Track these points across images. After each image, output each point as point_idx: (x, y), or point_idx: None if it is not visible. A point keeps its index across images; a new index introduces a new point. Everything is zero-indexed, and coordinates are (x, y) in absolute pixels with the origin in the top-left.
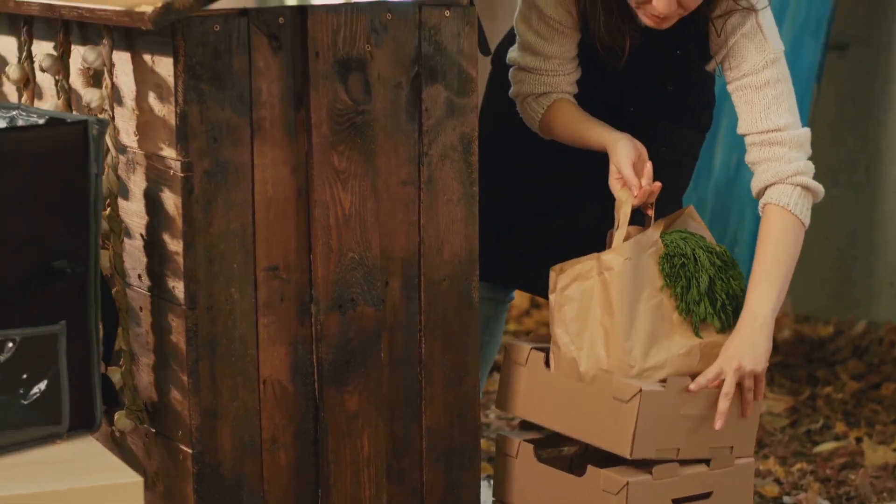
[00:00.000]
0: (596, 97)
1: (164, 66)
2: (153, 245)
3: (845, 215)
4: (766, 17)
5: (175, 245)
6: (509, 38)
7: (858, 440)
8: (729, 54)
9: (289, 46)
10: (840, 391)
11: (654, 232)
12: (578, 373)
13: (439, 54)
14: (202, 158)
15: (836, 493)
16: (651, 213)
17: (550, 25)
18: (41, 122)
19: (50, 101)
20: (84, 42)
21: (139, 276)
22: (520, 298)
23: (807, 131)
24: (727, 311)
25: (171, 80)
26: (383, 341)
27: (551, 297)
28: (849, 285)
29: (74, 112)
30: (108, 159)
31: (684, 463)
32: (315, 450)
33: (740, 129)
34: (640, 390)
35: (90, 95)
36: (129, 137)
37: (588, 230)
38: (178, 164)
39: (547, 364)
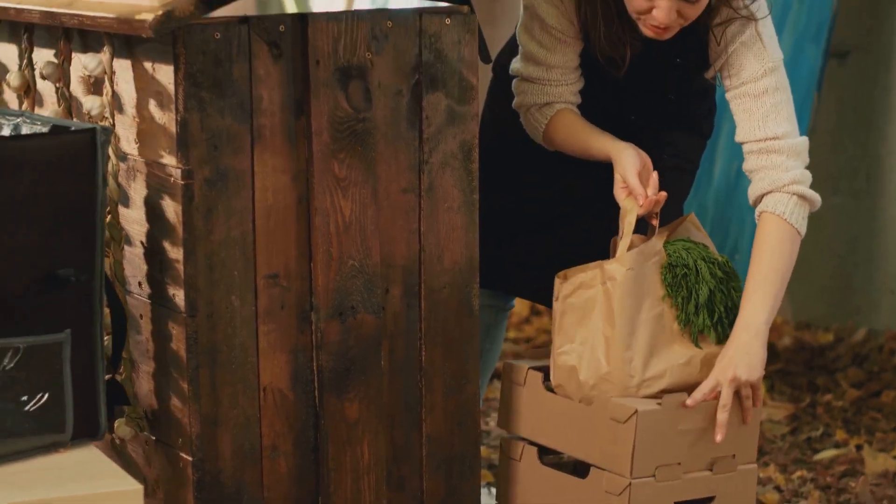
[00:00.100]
0: (597, 106)
1: (164, 74)
2: (153, 253)
3: (846, 223)
4: (766, 26)
5: (175, 253)
6: (510, 46)
7: (859, 448)
8: (728, 62)
9: (289, 54)
10: (840, 399)
11: (657, 241)
12: (578, 381)
13: (440, 62)
14: (203, 166)
15: (836, 501)
16: (656, 222)
17: (553, 35)
18: (45, 129)
19: (50, 109)
20: (85, 50)
21: (139, 284)
22: (520, 306)
23: (805, 140)
24: (724, 323)
25: (171, 87)
26: (383, 349)
27: (555, 304)
28: (849, 293)
29: (75, 119)
30: (109, 167)
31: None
32: (315, 457)
33: (738, 137)
34: (636, 411)
35: (91, 103)
36: (129, 145)
37: (590, 240)
38: (179, 171)
39: (546, 379)
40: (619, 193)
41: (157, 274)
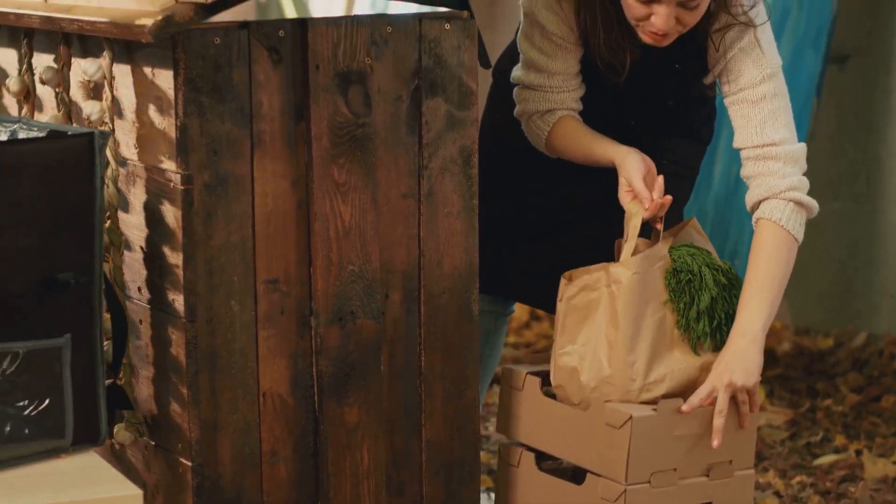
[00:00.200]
0: (596, 113)
1: (164, 79)
2: (153, 258)
3: (846, 227)
4: (765, 32)
5: (175, 258)
6: (510, 52)
7: (858, 453)
8: (726, 68)
9: (289, 59)
10: (840, 404)
11: (663, 246)
12: (579, 383)
13: (439, 67)
14: (202, 171)
15: None
16: (660, 226)
17: (553, 41)
18: (43, 134)
19: (50, 114)
20: (84, 55)
21: (139, 289)
22: (520, 311)
23: (802, 146)
24: (723, 330)
25: (171, 92)
26: (383, 354)
27: (559, 304)
28: (849, 297)
29: (74, 125)
30: (109, 172)
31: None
32: (315, 462)
33: (736, 143)
34: (631, 417)
35: (90, 108)
36: (129, 150)
37: (592, 246)
38: (179, 176)
39: (544, 384)
40: (624, 197)
41: (157, 279)
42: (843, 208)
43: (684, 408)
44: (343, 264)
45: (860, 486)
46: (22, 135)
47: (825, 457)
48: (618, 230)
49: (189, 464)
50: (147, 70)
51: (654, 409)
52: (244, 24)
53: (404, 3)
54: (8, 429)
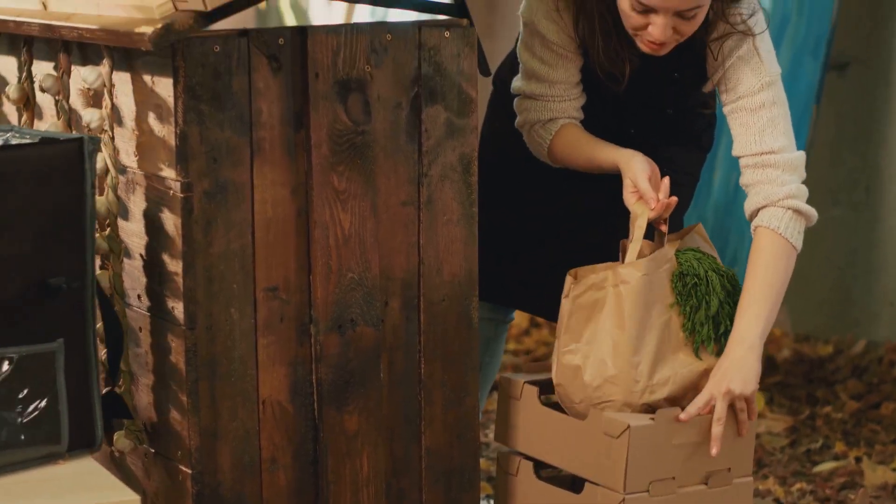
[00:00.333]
0: (597, 121)
1: (163, 87)
2: (153, 265)
3: (845, 235)
4: (764, 41)
5: (175, 265)
6: (510, 60)
7: (858, 460)
8: (725, 77)
9: (289, 67)
10: (839, 411)
11: (669, 249)
12: (582, 382)
13: (439, 75)
14: (202, 179)
15: None
16: (664, 227)
17: (554, 51)
18: (33, 141)
19: (50, 122)
20: (84, 62)
21: (139, 297)
22: (519, 318)
23: (801, 154)
24: (728, 336)
25: (170, 100)
26: (383, 361)
27: (564, 301)
28: (848, 304)
29: (74, 132)
30: (108, 179)
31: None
32: (315, 470)
33: (735, 152)
34: (629, 426)
35: (90, 116)
36: (128, 158)
37: (595, 254)
38: (178, 184)
39: (542, 393)
40: (629, 198)
41: (157, 286)
42: (842, 216)
43: (682, 416)
44: (343, 272)
45: (860, 493)
46: (14, 142)
47: (825, 464)
48: (620, 237)
49: (189, 471)
50: (147, 78)
51: (652, 418)
52: (244, 32)
53: (404, 10)
54: (2, 435)
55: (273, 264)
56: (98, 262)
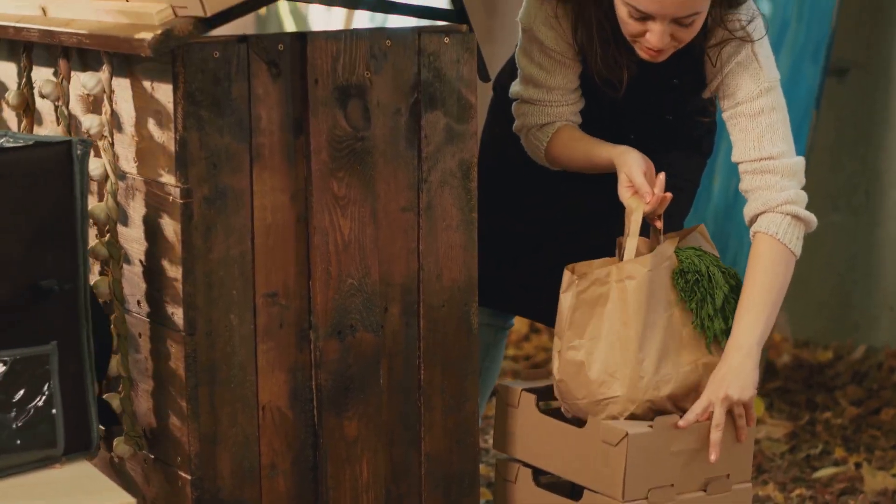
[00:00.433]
0: (596, 127)
1: (163, 93)
2: (152, 271)
3: (845, 240)
4: (763, 47)
5: (174, 271)
6: (510, 66)
7: (858, 466)
8: (724, 83)
9: (288, 73)
10: (839, 416)
11: (668, 246)
12: (586, 377)
13: (439, 81)
14: (201, 185)
15: None
16: (659, 223)
17: (552, 57)
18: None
19: (49, 128)
20: (84, 68)
21: (138, 302)
22: (519, 323)
23: (801, 160)
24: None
25: (170, 106)
26: (382, 367)
27: (563, 296)
28: (848, 310)
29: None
30: (108, 185)
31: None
32: (314, 476)
33: (734, 157)
34: (627, 433)
35: (90, 122)
36: (128, 164)
37: (597, 255)
38: (178, 190)
39: (540, 400)
40: (624, 193)
41: (156, 292)
42: (842, 221)
43: (681, 423)
44: (342, 277)
45: (860, 498)
46: (4, 146)
47: (825, 469)
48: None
49: (188, 477)
50: (146, 84)
51: (650, 426)
52: (243, 38)
53: (403, 16)
54: None
55: (272, 270)
56: (98, 267)
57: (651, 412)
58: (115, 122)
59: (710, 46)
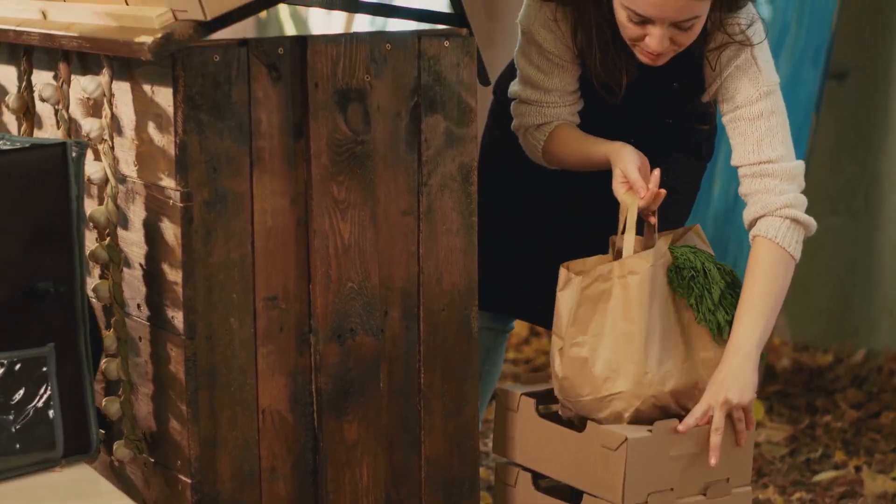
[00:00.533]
0: (595, 130)
1: (163, 97)
2: (152, 275)
3: (844, 243)
4: (762, 51)
5: (174, 275)
6: (510, 69)
7: (858, 469)
8: (723, 87)
9: (288, 77)
10: (839, 420)
11: (663, 243)
12: (590, 374)
13: (439, 84)
14: (201, 188)
15: None
16: (654, 220)
17: (550, 60)
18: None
19: (49, 131)
20: (84, 72)
21: (138, 306)
22: (519, 327)
23: (800, 164)
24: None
25: (170, 110)
26: (382, 371)
27: (560, 294)
28: (848, 313)
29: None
30: (108, 189)
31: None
32: (314, 479)
33: (734, 161)
34: (626, 438)
35: (90, 125)
36: (128, 167)
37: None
38: (178, 193)
39: (539, 404)
40: (619, 188)
41: (156, 296)
42: (841, 224)
43: (680, 427)
44: (342, 281)
45: (860, 502)
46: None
47: (825, 473)
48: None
49: (188, 481)
50: (146, 87)
51: (650, 430)
52: (243, 42)
53: (403, 20)
54: None
55: (273, 274)
56: (98, 271)
57: (655, 408)
58: (116, 126)
59: (709, 50)
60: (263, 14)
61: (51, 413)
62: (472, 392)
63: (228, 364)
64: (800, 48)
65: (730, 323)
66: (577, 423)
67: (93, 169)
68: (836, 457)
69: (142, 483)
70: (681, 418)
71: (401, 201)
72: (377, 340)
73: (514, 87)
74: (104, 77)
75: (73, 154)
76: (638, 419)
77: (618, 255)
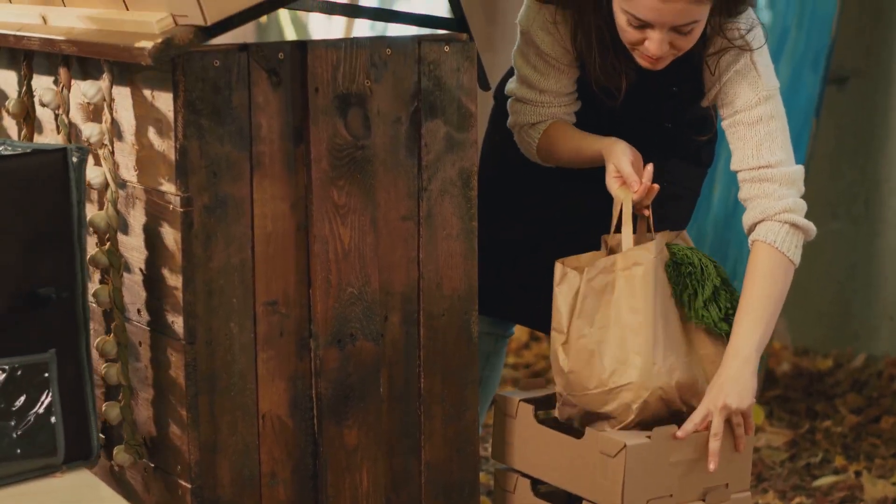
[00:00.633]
0: (594, 133)
1: (163, 101)
2: (152, 280)
3: (844, 248)
4: (762, 56)
5: (174, 280)
6: (510, 74)
7: (858, 474)
8: (722, 91)
9: (288, 82)
10: (839, 425)
11: (661, 239)
12: (599, 366)
13: (439, 89)
14: (202, 193)
15: None
16: (648, 213)
17: (547, 62)
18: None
19: (50, 136)
20: (84, 77)
21: (138, 311)
22: (519, 332)
23: (800, 169)
24: (730, 321)
25: (170, 115)
26: (382, 376)
27: (558, 289)
28: (848, 318)
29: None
30: (108, 194)
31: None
32: (314, 484)
33: (733, 166)
34: (625, 445)
35: (90, 130)
36: (128, 172)
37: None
38: (178, 198)
39: (538, 410)
40: (612, 183)
41: (156, 301)
42: (841, 229)
43: (679, 434)
44: (342, 286)
45: None
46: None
47: (825, 478)
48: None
49: (188, 486)
50: (147, 92)
51: (649, 437)
52: (244, 47)
53: (403, 25)
54: None
55: (273, 279)
56: (98, 276)
57: (661, 402)
58: (116, 131)
59: (709, 55)
60: (264, 19)
61: (52, 419)
62: (472, 397)
63: (228, 369)
64: (800, 53)
65: (723, 320)
66: (577, 426)
67: (93, 174)
68: (836, 462)
69: (142, 488)
70: (680, 422)
71: (401, 206)
72: (377, 345)
73: (511, 85)
74: (104, 82)
75: (75, 160)
76: (644, 412)
77: (610, 252)
